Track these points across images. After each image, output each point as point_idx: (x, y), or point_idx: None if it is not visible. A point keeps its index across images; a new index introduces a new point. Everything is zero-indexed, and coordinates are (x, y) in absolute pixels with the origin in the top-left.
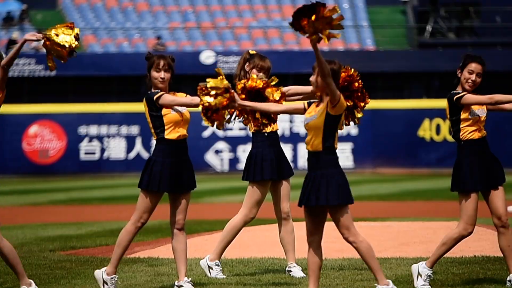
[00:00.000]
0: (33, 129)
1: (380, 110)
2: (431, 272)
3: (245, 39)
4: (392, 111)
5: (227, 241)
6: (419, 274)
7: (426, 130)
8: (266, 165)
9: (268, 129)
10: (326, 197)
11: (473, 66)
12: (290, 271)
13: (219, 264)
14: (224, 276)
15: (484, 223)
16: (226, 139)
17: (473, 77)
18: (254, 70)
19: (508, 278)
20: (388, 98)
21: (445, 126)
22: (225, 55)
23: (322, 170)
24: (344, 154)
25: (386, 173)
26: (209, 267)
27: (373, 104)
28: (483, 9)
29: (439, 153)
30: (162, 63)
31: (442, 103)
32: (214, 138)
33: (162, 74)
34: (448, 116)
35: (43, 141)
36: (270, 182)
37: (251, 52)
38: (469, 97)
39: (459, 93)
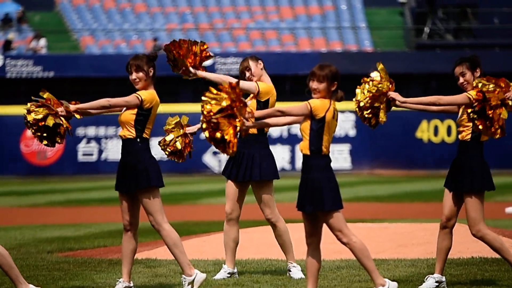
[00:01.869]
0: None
1: None
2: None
3: (243, 41)
4: (389, 112)
5: (231, 250)
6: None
7: (424, 132)
8: (228, 164)
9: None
10: (320, 202)
11: (455, 70)
12: (290, 270)
13: (227, 270)
14: (223, 277)
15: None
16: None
17: (460, 80)
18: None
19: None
20: None
21: (442, 127)
22: (223, 57)
23: (309, 174)
24: (342, 155)
25: (384, 174)
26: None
27: None
28: (481, 11)
29: (437, 154)
30: (129, 65)
31: None
32: None
33: (133, 75)
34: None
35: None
36: (231, 181)
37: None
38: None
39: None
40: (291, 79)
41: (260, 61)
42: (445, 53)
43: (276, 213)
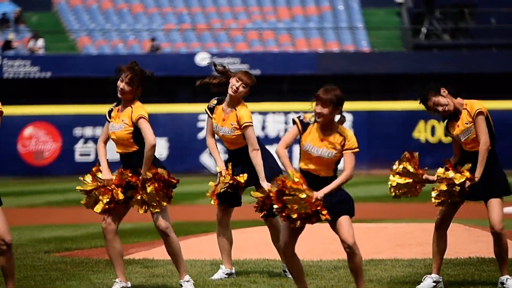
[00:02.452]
0: (28, 130)
1: (375, 112)
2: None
3: (240, 41)
4: (387, 112)
5: (226, 251)
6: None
7: (421, 132)
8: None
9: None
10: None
11: (429, 104)
12: (285, 271)
13: (222, 267)
14: (221, 277)
15: (479, 224)
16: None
17: (440, 109)
18: (231, 83)
19: (499, 280)
20: (383, 99)
21: (440, 128)
22: (220, 57)
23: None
24: None
25: (382, 174)
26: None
27: (368, 105)
28: (478, 11)
29: (434, 155)
30: (122, 71)
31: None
32: None
33: (121, 85)
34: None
35: (38, 142)
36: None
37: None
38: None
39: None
40: (289, 79)
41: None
42: (442, 54)
43: None
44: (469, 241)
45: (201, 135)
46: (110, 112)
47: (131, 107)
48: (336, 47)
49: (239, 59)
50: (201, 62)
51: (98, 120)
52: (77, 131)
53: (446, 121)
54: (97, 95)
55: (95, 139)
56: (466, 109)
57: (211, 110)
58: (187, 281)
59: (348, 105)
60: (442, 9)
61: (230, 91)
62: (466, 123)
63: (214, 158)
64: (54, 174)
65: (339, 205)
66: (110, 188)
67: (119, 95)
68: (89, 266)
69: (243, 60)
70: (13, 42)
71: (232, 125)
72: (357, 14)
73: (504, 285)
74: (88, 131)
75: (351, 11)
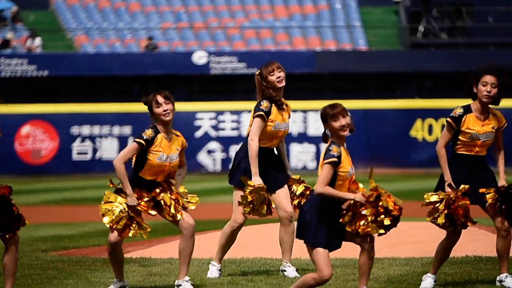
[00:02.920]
0: (25, 129)
1: (373, 110)
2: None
3: (238, 40)
4: (384, 111)
5: (221, 246)
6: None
7: (418, 131)
8: (238, 171)
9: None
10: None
11: (488, 77)
12: (284, 270)
13: (215, 265)
14: (218, 276)
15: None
16: (219, 139)
17: (488, 88)
18: (273, 78)
19: (498, 278)
20: (381, 98)
21: (437, 126)
22: (217, 56)
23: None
24: None
25: (379, 173)
26: (212, 265)
27: (365, 104)
28: (476, 10)
29: (431, 153)
30: (159, 98)
31: (435, 103)
32: (206, 138)
33: (164, 107)
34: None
35: (35, 141)
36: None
37: (257, 73)
38: (443, 132)
39: (452, 117)
40: (286, 77)
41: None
42: (439, 52)
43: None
44: (466, 240)
45: (198, 133)
46: (151, 140)
47: (175, 134)
48: (333, 45)
49: (236, 57)
50: (199, 60)
51: (95, 119)
52: (74, 130)
53: (463, 114)
54: (94, 93)
55: (92, 138)
56: (496, 115)
57: (268, 113)
58: (186, 281)
59: (345, 104)
60: (439, 8)
61: (279, 85)
62: (493, 127)
63: (254, 165)
64: (51, 172)
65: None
66: (137, 212)
67: (164, 118)
68: (86, 264)
69: (240, 59)
70: (11, 41)
71: (289, 118)
72: (355, 13)
73: (502, 283)
74: (85, 129)
75: (348, 9)
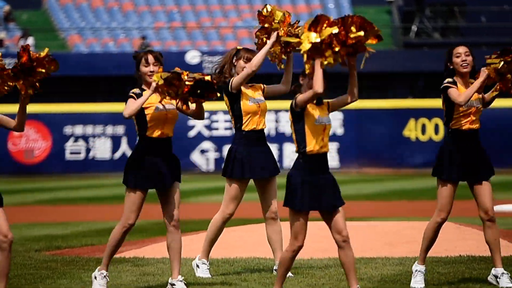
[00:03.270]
0: None
1: (365, 110)
2: (422, 268)
3: (231, 39)
4: (377, 111)
5: (210, 240)
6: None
7: (411, 130)
8: (237, 163)
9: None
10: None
11: (458, 48)
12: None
13: (206, 262)
14: (210, 276)
15: (469, 222)
16: (212, 138)
17: (463, 57)
18: (241, 62)
19: (493, 272)
20: (373, 98)
21: (430, 126)
22: (210, 55)
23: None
24: (330, 154)
25: (372, 173)
26: (197, 266)
27: (358, 104)
28: (469, 9)
29: (424, 153)
30: (150, 57)
31: (428, 103)
32: (199, 137)
33: (151, 67)
34: (443, 104)
35: (28, 141)
36: (246, 180)
37: (238, 47)
38: (451, 92)
39: (448, 82)
40: (279, 77)
41: None
42: (432, 52)
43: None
44: (459, 239)
45: (191, 133)
46: (140, 94)
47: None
48: None
49: None
50: (191, 60)
51: (88, 119)
52: (68, 130)
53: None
54: (87, 93)
55: (85, 137)
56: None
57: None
58: (180, 281)
59: None
60: (432, 8)
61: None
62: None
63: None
64: (45, 172)
65: (336, 192)
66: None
67: (149, 79)
68: (79, 264)
69: None
70: (4, 40)
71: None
72: (347, 12)
73: (498, 279)
74: (79, 129)
75: (341, 9)
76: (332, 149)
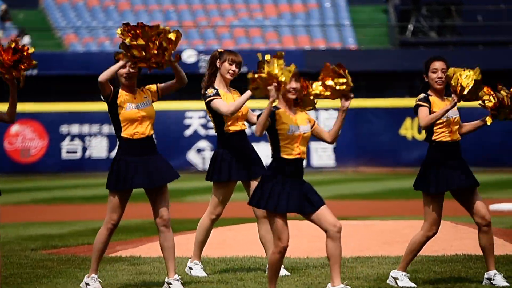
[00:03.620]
0: (14, 128)
1: (362, 109)
2: (406, 274)
3: (227, 38)
4: (374, 110)
5: (199, 241)
6: (395, 279)
7: (408, 129)
8: (224, 166)
9: (231, 129)
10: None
11: (436, 63)
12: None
13: (198, 263)
14: (206, 274)
15: (466, 221)
16: (208, 138)
17: (439, 74)
18: (225, 64)
19: (486, 276)
20: (370, 97)
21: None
22: (207, 54)
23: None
24: (326, 153)
25: (368, 172)
26: (189, 268)
27: (355, 103)
28: (465, 8)
29: (421, 152)
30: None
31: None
32: (195, 137)
33: (127, 69)
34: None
35: (24, 140)
36: (232, 183)
37: (219, 50)
38: (420, 111)
39: (420, 100)
40: None
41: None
42: (429, 51)
43: None
44: (455, 238)
45: (188, 132)
46: (115, 93)
47: (144, 89)
48: (322, 44)
49: None
50: (188, 59)
51: (85, 118)
52: (64, 129)
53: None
54: (83, 92)
55: (81, 137)
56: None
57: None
58: (177, 280)
59: (334, 102)
60: (428, 6)
61: (229, 76)
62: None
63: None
64: (41, 171)
65: (314, 196)
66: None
67: (123, 81)
68: (76, 263)
69: None
70: (0, 39)
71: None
72: (344, 12)
73: (492, 281)
74: (75, 128)
75: (337, 8)
76: (329, 148)
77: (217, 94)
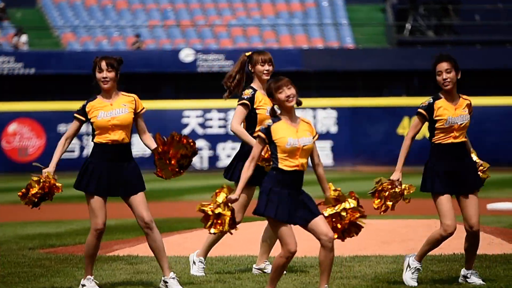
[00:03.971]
0: (12, 127)
1: (360, 108)
2: (420, 266)
3: (225, 37)
4: (371, 109)
5: (211, 240)
6: (408, 265)
7: (405, 128)
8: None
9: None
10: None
11: (438, 66)
12: (266, 269)
13: (202, 261)
14: (204, 274)
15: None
16: (206, 137)
17: (443, 76)
18: (258, 66)
19: (462, 273)
20: (368, 96)
21: (424, 124)
22: (204, 53)
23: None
24: (324, 152)
25: (366, 171)
26: (193, 262)
27: (352, 102)
28: (463, 7)
29: (418, 151)
30: (103, 63)
31: (422, 101)
32: (193, 136)
33: (104, 73)
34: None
35: (22, 139)
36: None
37: (246, 54)
38: (413, 122)
39: (423, 106)
40: (273, 75)
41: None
42: (426, 50)
43: None
44: (453, 237)
45: (185, 131)
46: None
47: (126, 95)
48: (320, 43)
49: (223, 55)
50: (185, 58)
51: None
52: (61, 128)
53: (433, 101)
54: (81, 91)
55: (79, 136)
56: (467, 100)
57: (251, 99)
58: (173, 278)
59: (332, 101)
60: (426, 6)
61: (265, 76)
62: (464, 110)
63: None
64: (38, 170)
65: (311, 204)
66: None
67: (102, 86)
68: (73, 262)
69: (228, 57)
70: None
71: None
72: (341, 11)
73: (467, 279)
74: None
75: (335, 7)
76: (326, 147)
77: (253, 96)
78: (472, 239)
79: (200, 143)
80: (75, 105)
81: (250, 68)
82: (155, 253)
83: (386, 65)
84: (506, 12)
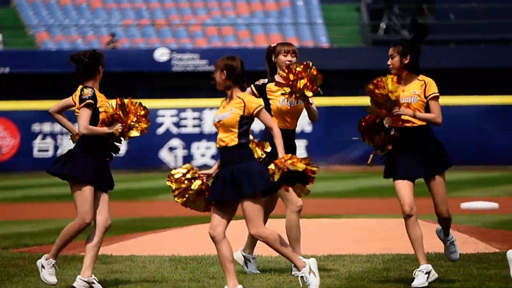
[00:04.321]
0: None
1: (334, 107)
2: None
3: (200, 37)
4: (346, 108)
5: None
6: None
7: None
8: None
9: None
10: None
11: (389, 51)
12: (249, 261)
13: (254, 257)
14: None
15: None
16: (180, 136)
17: (388, 61)
18: (280, 57)
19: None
20: (342, 95)
21: None
22: (179, 52)
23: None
24: (298, 151)
25: (340, 170)
26: (246, 259)
27: (327, 101)
28: (437, 7)
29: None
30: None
31: None
32: (168, 135)
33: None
34: None
35: None
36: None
37: (272, 45)
38: None
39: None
40: (248, 75)
41: None
42: None
43: None
44: (426, 236)
45: (160, 130)
46: (94, 96)
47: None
48: (295, 42)
49: (198, 54)
50: (160, 57)
51: None
52: (36, 127)
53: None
54: (55, 90)
55: (53, 135)
56: (422, 80)
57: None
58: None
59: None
60: (401, 5)
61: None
62: (413, 92)
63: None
64: (12, 170)
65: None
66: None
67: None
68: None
69: (202, 56)
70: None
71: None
72: (316, 10)
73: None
74: (47, 127)
75: (310, 6)
76: (301, 146)
77: (264, 86)
78: (446, 226)
79: (175, 142)
80: (50, 104)
81: (274, 59)
82: (94, 253)
83: (361, 64)
84: (481, 11)
